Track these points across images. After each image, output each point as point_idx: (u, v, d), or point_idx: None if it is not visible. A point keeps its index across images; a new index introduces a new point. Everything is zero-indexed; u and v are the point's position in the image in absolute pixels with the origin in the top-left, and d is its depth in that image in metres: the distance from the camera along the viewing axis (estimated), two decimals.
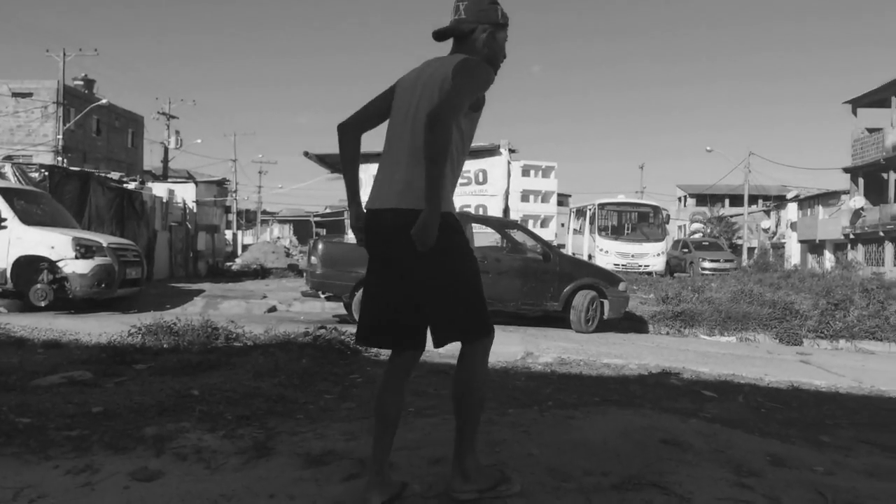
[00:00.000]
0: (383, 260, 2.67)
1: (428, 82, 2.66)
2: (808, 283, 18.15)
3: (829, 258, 38.59)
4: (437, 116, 2.44)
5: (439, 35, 2.76)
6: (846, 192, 38.73)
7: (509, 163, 16.46)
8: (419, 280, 2.58)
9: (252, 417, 3.84)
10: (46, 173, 14.63)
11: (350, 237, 15.95)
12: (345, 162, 2.87)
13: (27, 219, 11.20)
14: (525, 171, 19.65)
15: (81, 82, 42.78)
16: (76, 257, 10.91)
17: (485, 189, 16.31)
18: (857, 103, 37.37)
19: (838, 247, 39.18)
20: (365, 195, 2.78)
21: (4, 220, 10.88)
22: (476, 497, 2.61)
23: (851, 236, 37.04)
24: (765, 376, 6.99)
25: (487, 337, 2.69)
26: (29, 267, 10.86)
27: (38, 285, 10.82)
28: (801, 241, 43.63)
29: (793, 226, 45.41)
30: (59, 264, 10.85)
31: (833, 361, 9.02)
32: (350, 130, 2.84)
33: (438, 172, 2.46)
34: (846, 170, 38.21)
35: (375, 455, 2.62)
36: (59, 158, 32.50)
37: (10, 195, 11.36)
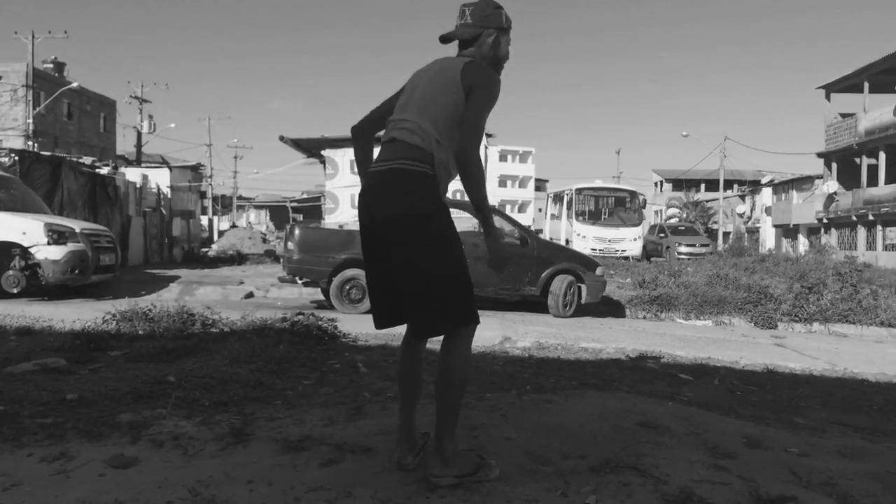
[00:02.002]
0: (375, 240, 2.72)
1: (435, 77, 2.75)
2: (782, 268, 18.39)
3: (803, 242, 39.06)
4: (465, 154, 2.60)
5: (445, 39, 2.85)
6: (820, 177, 39.17)
7: (486, 147, 16.45)
8: (402, 264, 2.63)
9: (229, 403, 3.82)
10: (17, 158, 14.38)
11: (326, 223, 15.88)
12: (359, 163, 2.96)
13: None
14: (502, 156, 19.67)
15: (51, 65, 42.06)
16: (49, 243, 10.75)
17: None
18: (831, 88, 37.74)
19: (812, 231, 39.67)
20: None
21: None
22: (455, 482, 2.62)
23: (825, 221, 37.52)
24: (740, 359, 7.07)
25: (473, 324, 2.72)
26: (0, 253, 10.69)
27: (10, 272, 10.65)
28: (776, 226, 44.12)
29: (767, 210, 45.90)
30: (32, 250, 10.69)
31: (807, 344, 9.15)
32: (363, 132, 2.94)
33: (486, 203, 2.69)
34: (820, 155, 38.63)
35: (401, 421, 2.82)
36: (30, 143, 31.97)
37: None
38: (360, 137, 2.95)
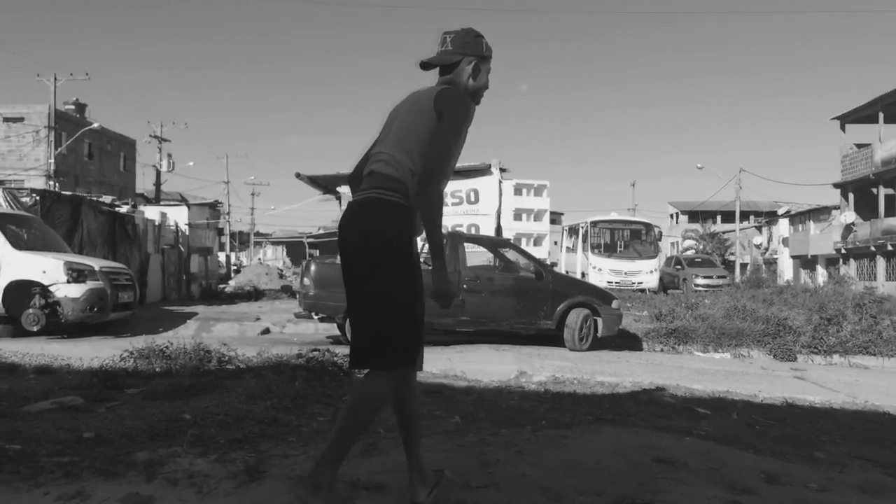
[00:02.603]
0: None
1: (409, 109, 2.77)
2: (800, 299, 18.21)
3: (821, 273, 38.72)
4: (426, 181, 2.60)
5: (426, 66, 2.85)
6: (837, 208, 38.93)
7: (500, 182, 16.55)
8: (357, 291, 2.63)
9: (244, 441, 3.82)
10: (38, 198, 14.62)
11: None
12: None
13: (18, 243, 11.18)
14: (517, 190, 19.77)
15: (73, 106, 42.80)
16: (68, 281, 10.88)
17: (477, 208, 16.38)
18: (846, 119, 37.68)
19: (830, 262, 39.33)
20: None
21: None
22: None
23: (843, 251, 37.20)
24: (759, 393, 6.99)
25: (402, 369, 2.65)
26: (21, 292, 10.82)
27: (30, 310, 10.77)
28: (794, 257, 43.79)
29: (785, 241, 45.59)
30: (52, 289, 10.82)
31: (827, 377, 9.03)
32: (356, 180, 2.91)
33: (439, 233, 2.65)
34: (836, 185, 38.44)
35: (407, 458, 2.81)
36: (51, 183, 32.47)
37: (1, 220, 11.35)
38: (355, 184, 2.92)
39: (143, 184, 46.02)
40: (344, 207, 2.92)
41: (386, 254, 2.57)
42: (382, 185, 2.64)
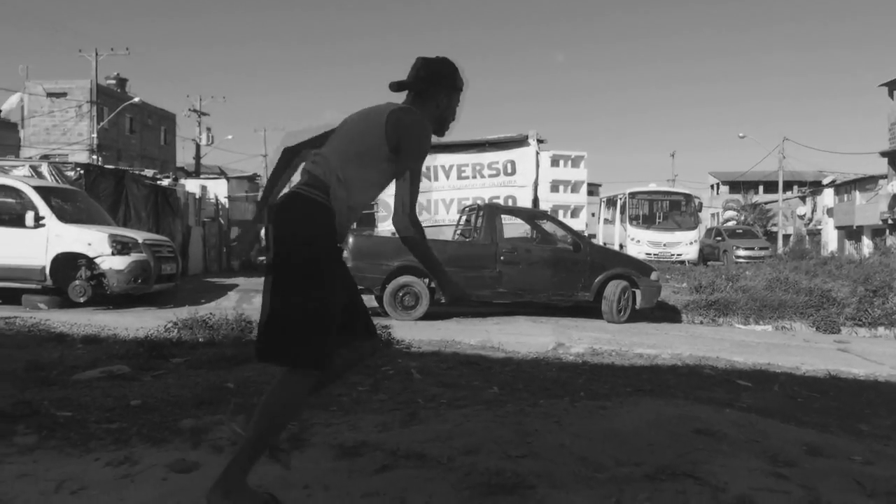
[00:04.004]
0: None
1: (359, 120, 2.74)
2: (845, 270, 17.81)
3: (867, 244, 37.84)
4: (411, 209, 2.59)
5: (397, 87, 2.80)
6: (884, 177, 37.91)
7: (538, 153, 16.39)
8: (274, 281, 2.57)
9: None
10: (82, 171, 14.86)
11: (380, 230, 16.02)
12: (271, 179, 3.05)
13: (64, 217, 11.41)
14: (554, 161, 19.59)
15: (114, 81, 43.38)
16: (113, 254, 11.09)
17: (514, 180, 16.27)
18: (894, 85, 36.55)
19: (876, 232, 38.41)
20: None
21: (42, 218, 11.09)
22: None
23: (890, 221, 36.29)
24: (801, 365, 6.90)
25: (308, 369, 2.53)
26: (67, 264, 11.07)
27: (77, 282, 11.02)
28: (838, 228, 42.86)
29: (829, 212, 44.62)
30: (97, 261, 11.04)
31: (872, 349, 8.87)
32: (288, 153, 2.99)
33: (434, 261, 2.65)
34: (883, 154, 37.39)
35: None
36: (94, 157, 33.02)
37: (47, 194, 11.58)
38: (284, 157, 2.97)
39: (183, 157, 46.68)
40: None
41: (303, 248, 2.53)
42: (309, 182, 2.62)
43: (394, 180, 2.67)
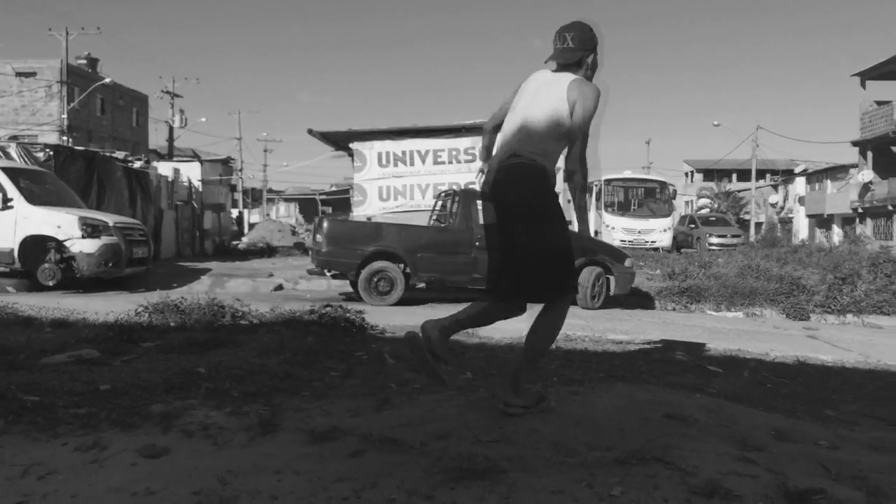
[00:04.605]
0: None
1: (541, 94, 3.31)
2: (815, 258, 18.09)
3: (837, 233, 38.43)
4: (573, 161, 3.28)
5: (554, 63, 3.35)
6: (855, 166, 38.47)
7: None
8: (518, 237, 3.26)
9: (258, 394, 3.86)
10: (51, 153, 14.65)
11: (355, 215, 15.96)
12: (486, 152, 3.75)
13: (33, 199, 11.23)
14: None
15: (85, 61, 42.66)
16: (83, 237, 10.95)
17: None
18: (866, 76, 37.00)
19: (847, 221, 39.01)
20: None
21: (10, 200, 10.91)
22: (520, 412, 3.29)
23: (860, 210, 36.87)
24: (771, 351, 6.99)
25: (570, 295, 3.55)
26: (36, 247, 10.92)
27: (46, 265, 10.87)
28: (810, 216, 43.46)
29: (801, 200, 45.21)
30: (67, 244, 10.90)
31: (840, 336, 9.02)
32: (489, 130, 3.69)
33: (584, 200, 3.40)
34: (855, 143, 37.92)
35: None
36: (65, 138, 32.50)
37: (15, 175, 11.39)
38: (487, 134, 3.71)
39: (156, 139, 46.04)
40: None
41: (542, 203, 3.24)
42: (523, 152, 3.27)
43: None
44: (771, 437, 3.35)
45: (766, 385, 5.24)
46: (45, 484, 2.57)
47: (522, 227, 3.20)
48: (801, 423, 3.76)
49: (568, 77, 3.25)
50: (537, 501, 2.46)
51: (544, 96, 3.28)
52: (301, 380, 4.30)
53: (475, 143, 16.27)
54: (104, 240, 11.12)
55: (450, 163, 16.44)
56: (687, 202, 57.72)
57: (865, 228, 35.74)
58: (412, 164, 16.43)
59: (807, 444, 3.29)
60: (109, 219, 11.75)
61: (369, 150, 16.48)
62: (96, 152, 17.12)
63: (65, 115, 36.08)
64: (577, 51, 3.27)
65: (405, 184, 16.35)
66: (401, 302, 10.44)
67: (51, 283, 10.83)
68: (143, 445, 2.93)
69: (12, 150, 14.23)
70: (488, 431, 3.08)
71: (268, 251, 22.91)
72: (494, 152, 3.54)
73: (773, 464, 2.90)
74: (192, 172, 22.39)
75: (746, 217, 47.71)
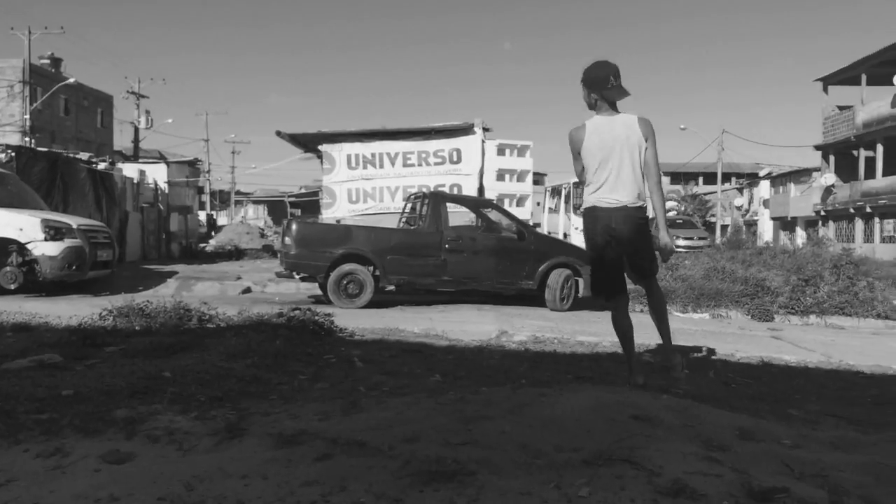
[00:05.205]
0: (614, 237, 4.50)
1: (626, 144, 4.46)
2: (779, 260, 18.32)
3: (800, 235, 39.07)
4: (658, 185, 4.56)
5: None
6: (818, 170, 39.17)
7: (483, 142, 16.44)
8: (637, 248, 4.56)
9: (225, 398, 3.83)
10: (13, 154, 14.36)
11: (324, 217, 15.87)
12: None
13: None
14: (500, 150, 19.57)
15: (48, 61, 41.92)
16: (45, 239, 10.76)
17: (459, 168, 16.29)
18: (829, 81, 37.73)
19: (810, 223, 39.71)
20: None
21: None
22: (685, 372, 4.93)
23: (823, 213, 37.54)
24: (736, 352, 7.09)
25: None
26: None
27: (7, 268, 10.66)
28: (774, 219, 44.15)
29: (765, 203, 45.91)
30: (29, 246, 10.70)
31: (803, 337, 9.16)
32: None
33: (662, 210, 4.62)
34: (817, 147, 38.62)
35: (628, 357, 4.83)
36: (27, 139, 31.93)
37: None
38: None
39: (121, 141, 45.40)
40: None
41: (647, 235, 4.57)
42: (639, 196, 4.51)
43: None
44: (735, 437, 3.39)
45: (731, 385, 5.32)
46: (5, 491, 2.52)
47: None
48: (765, 423, 3.82)
49: (637, 120, 4.58)
50: (506, 503, 2.47)
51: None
52: (269, 383, 4.27)
53: (445, 145, 16.30)
54: (67, 242, 10.94)
55: (419, 165, 16.42)
56: None
57: (828, 231, 36.41)
58: (381, 166, 16.38)
59: (771, 444, 3.34)
60: (73, 221, 11.56)
61: (338, 152, 16.40)
62: (60, 153, 16.84)
63: (27, 116, 35.43)
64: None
65: (374, 186, 16.31)
66: (370, 304, 10.41)
67: (12, 287, 10.62)
68: (106, 451, 2.89)
69: None
70: (457, 434, 3.09)
71: (236, 254, 22.70)
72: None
73: (737, 463, 2.94)
74: (158, 174, 22.10)
75: (712, 220, 48.36)
